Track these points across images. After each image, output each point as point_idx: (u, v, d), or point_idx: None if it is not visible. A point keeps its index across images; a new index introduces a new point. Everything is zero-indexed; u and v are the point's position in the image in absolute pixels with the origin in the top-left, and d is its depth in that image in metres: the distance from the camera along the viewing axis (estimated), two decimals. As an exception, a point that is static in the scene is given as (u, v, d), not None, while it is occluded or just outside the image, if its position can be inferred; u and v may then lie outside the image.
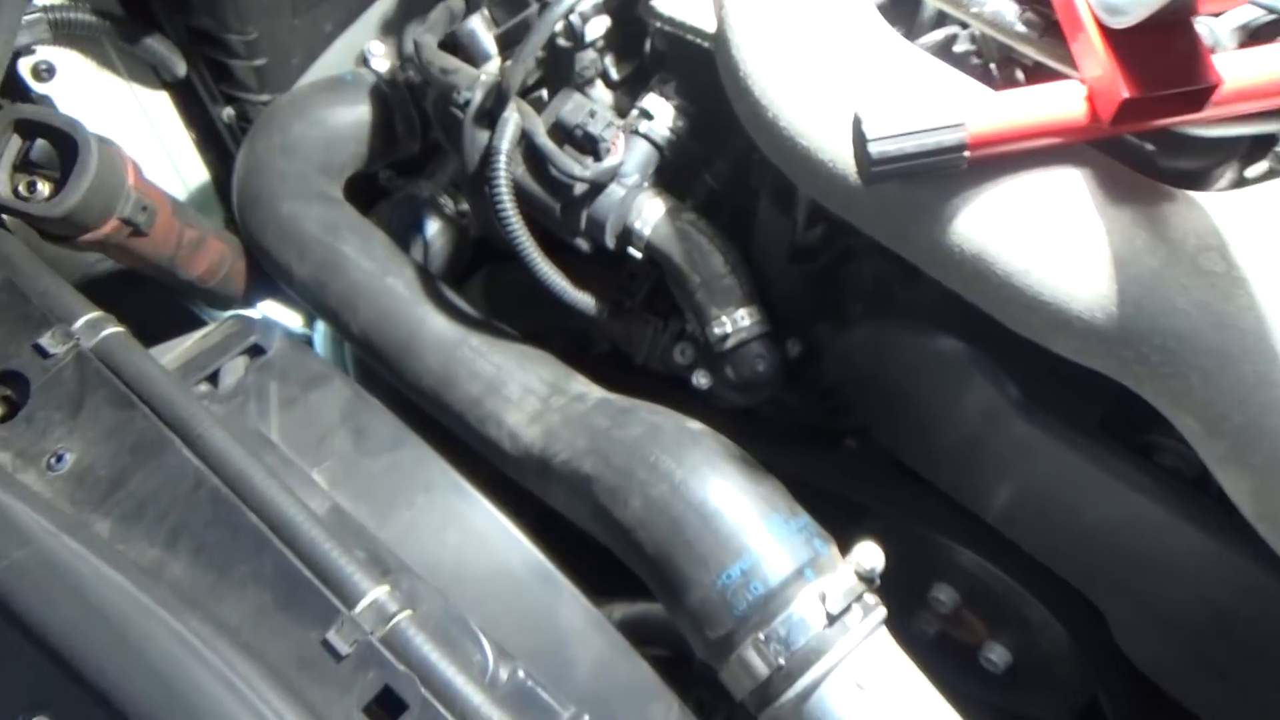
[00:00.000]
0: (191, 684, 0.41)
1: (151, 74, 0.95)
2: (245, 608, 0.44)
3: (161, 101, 0.98)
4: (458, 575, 0.56)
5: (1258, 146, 0.71)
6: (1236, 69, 0.47)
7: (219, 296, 0.86)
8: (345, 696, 0.43)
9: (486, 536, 0.58)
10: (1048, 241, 0.49)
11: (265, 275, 0.89)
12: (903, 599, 0.77)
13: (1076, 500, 0.58)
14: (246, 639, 0.44)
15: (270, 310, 0.95)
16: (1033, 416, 0.57)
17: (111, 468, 0.50)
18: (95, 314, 0.57)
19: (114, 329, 0.55)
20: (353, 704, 0.43)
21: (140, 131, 0.96)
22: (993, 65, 0.59)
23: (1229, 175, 0.59)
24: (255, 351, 0.66)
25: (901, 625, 0.79)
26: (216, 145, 1.06)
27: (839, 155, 0.53)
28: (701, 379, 0.73)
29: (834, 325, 0.69)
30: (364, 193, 1.05)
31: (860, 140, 0.49)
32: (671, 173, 0.74)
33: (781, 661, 0.56)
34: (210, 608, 0.44)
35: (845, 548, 0.61)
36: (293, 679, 0.43)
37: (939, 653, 0.78)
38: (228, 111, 0.99)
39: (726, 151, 0.74)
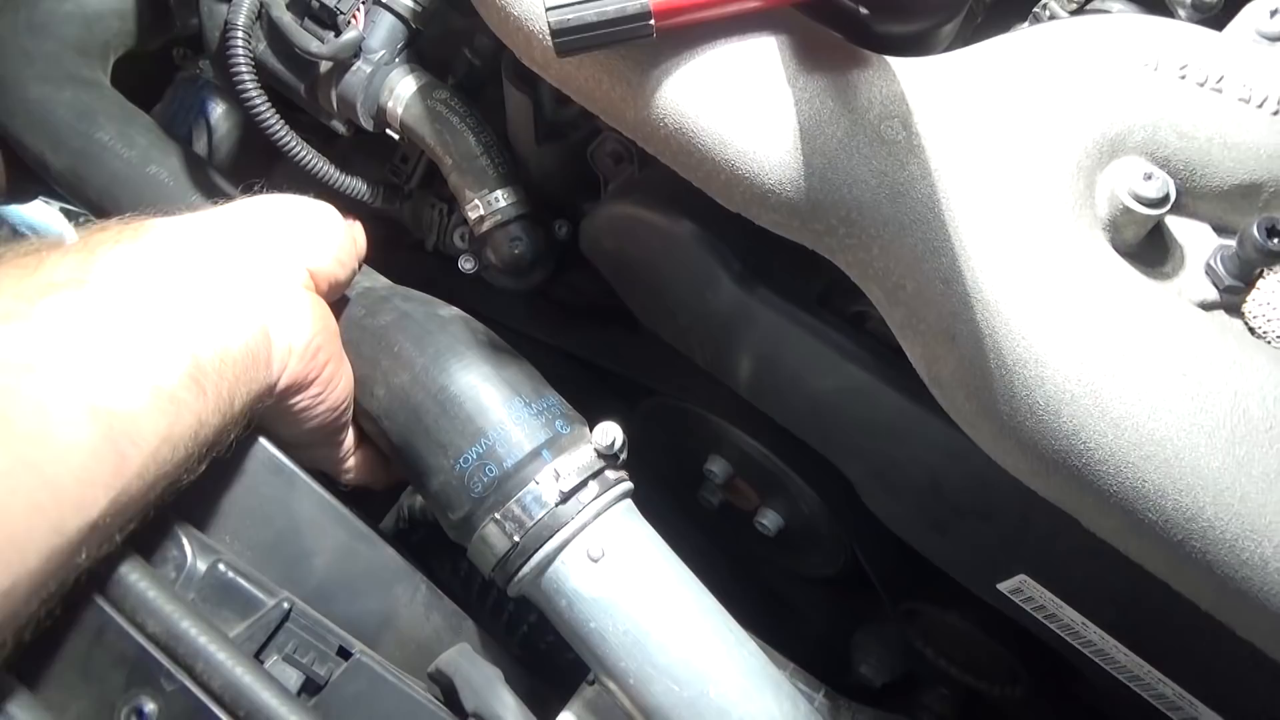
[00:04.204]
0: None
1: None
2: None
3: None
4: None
5: (1019, 11, 0.71)
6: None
7: (-31, 192, 0.80)
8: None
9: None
10: (740, 113, 0.48)
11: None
12: (690, 473, 0.80)
13: (801, 370, 0.59)
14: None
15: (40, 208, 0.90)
16: (754, 291, 0.58)
17: None
18: None
19: None
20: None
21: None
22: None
23: (952, 41, 0.58)
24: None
25: (692, 497, 0.83)
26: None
27: (545, 26, 0.51)
28: (466, 263, 0.71)
29: (593, 205, 0.68)
30: (164, 73, 0.99)
31: (544, 10, 0.47)
32: (431, 48, 0.71)
33: (517, 539, 0.57)
34: None
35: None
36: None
37: (725, 520, 0.82)
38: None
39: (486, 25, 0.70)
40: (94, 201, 0.78)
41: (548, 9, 0.46)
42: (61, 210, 1.16)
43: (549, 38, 0.49)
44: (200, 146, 0.91)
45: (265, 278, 0.53)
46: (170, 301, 0.46)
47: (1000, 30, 0.69)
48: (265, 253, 0.54)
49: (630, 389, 0.81)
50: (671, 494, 0.81)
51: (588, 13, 0.46)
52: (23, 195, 0.87)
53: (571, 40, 0.47)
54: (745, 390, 0.65)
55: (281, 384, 0.53)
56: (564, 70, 0.53)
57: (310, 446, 0.60)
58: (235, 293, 0.50)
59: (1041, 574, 0.57)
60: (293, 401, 0.55)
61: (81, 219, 1.21)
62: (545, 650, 0.75)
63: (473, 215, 0.67)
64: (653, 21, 0.47)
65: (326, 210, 0.61)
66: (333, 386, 0.57)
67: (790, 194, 0.48)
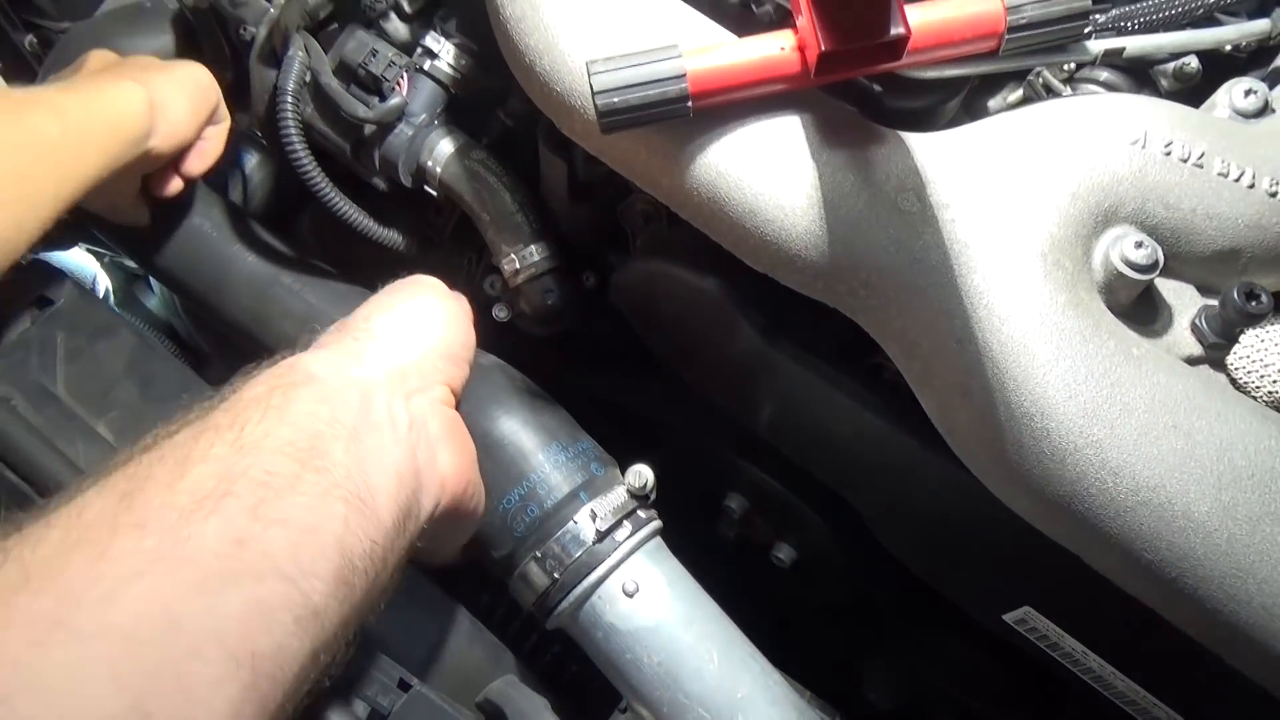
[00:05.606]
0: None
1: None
2: None
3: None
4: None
5: (1016, 76, 0.76)
6: (929, 18, 0.51)
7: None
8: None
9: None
10: (769, 185, 0.53)
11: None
12: (707, 508, 0.84)
13: (820, 416, 0.63)
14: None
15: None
16: (776, 344, 0.62)
17: None
18: None
19: None
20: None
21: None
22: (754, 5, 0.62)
23: (956, 111, 0.63)
24: (43, 303, 0.66)
25: (708, 532, 0.87)
26: (26, 74, 1.01)
27: (588, 103, 0.55)
28: (500, 312, 0.76)
29: (621, 259, 0.73)
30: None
31: (591, 92, 0.51)
32: (466, 110, 0.75)
33: (557, 575, 0.61)
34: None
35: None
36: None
37: (741, 553, 0.86)
38: (29, 39, 0.95)
39: (519, 89, 0.75)
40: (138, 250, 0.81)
41: (596, 93, 0.51)
42: (88, 251, 1.20)
43: (591, 114, 0.53)
44: (235, 194, 0.95)
45: (417, 415, 0.50)
46: (320, 494, 0.41)
47: (994, 93, 0.75)
48: (416, 384, 0.52)
49: (650, 427, 0.85)
50: (690, 526, 0.85)
51: (632, 97, 0.51)
52: (64, 243, 0.90)
53: (616, 120, 0.52)
54: (765, 431, 0.69)
55: (439, 514, 0.51)
56: (603, 142, 0.57)
57: (435, 555, 0.59)
58: (388, 448, 0.46)
59: (1045, 606, 0.61)
60: (443, 529, 0.53)
61: (107, 258, 1.25)
62: (570, 678, 0.79)
63: (508, 268, 0.71)
64: (690, 103, 0.52)
65: (461, 305, 0.59)
66: (479, 507, 0.56)
67: (815, 259, 0.53)
